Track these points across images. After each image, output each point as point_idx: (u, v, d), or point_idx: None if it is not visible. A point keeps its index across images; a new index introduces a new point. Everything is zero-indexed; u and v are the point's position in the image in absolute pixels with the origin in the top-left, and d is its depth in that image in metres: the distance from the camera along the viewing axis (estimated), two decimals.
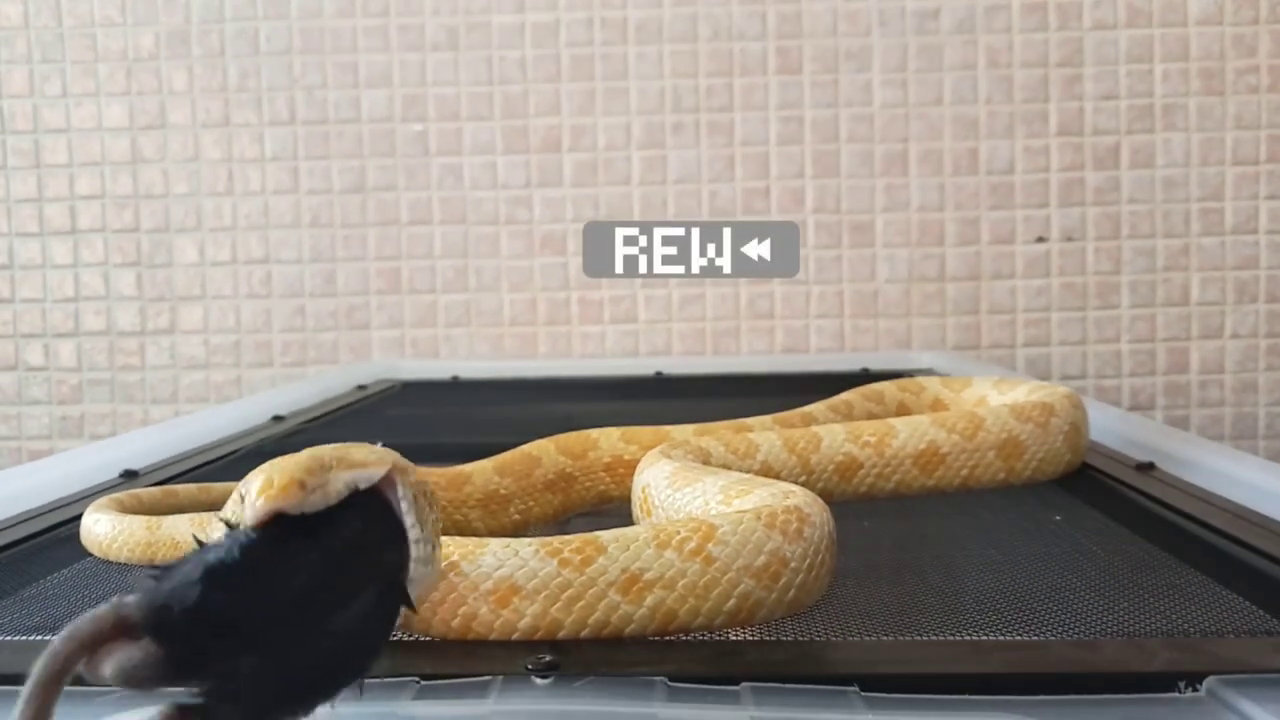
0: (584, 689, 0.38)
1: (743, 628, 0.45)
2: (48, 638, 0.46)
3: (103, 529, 0.60)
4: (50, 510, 0.69)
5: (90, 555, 0.60)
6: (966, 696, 0.38)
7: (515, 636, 0.43)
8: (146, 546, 0.58)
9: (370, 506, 0.36)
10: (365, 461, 0.37)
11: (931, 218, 1.55)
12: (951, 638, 0.44)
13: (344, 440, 0.64)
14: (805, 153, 1.55)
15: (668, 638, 0.43)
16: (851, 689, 0.38)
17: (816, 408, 0.83)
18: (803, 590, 0.46)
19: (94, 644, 0.28)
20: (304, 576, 0.32)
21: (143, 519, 0.60)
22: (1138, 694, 0.38)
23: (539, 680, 0.38)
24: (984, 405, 0.84)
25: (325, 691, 0.31)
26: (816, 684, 0.38)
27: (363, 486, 0.35)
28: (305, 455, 0.35)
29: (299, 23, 1.57)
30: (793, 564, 0.45)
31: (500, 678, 0.39)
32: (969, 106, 1.54)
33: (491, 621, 0.43)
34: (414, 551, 0.36)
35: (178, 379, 1.61)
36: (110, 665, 0.29)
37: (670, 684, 0.38)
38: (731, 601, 0.44)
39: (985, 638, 0.43)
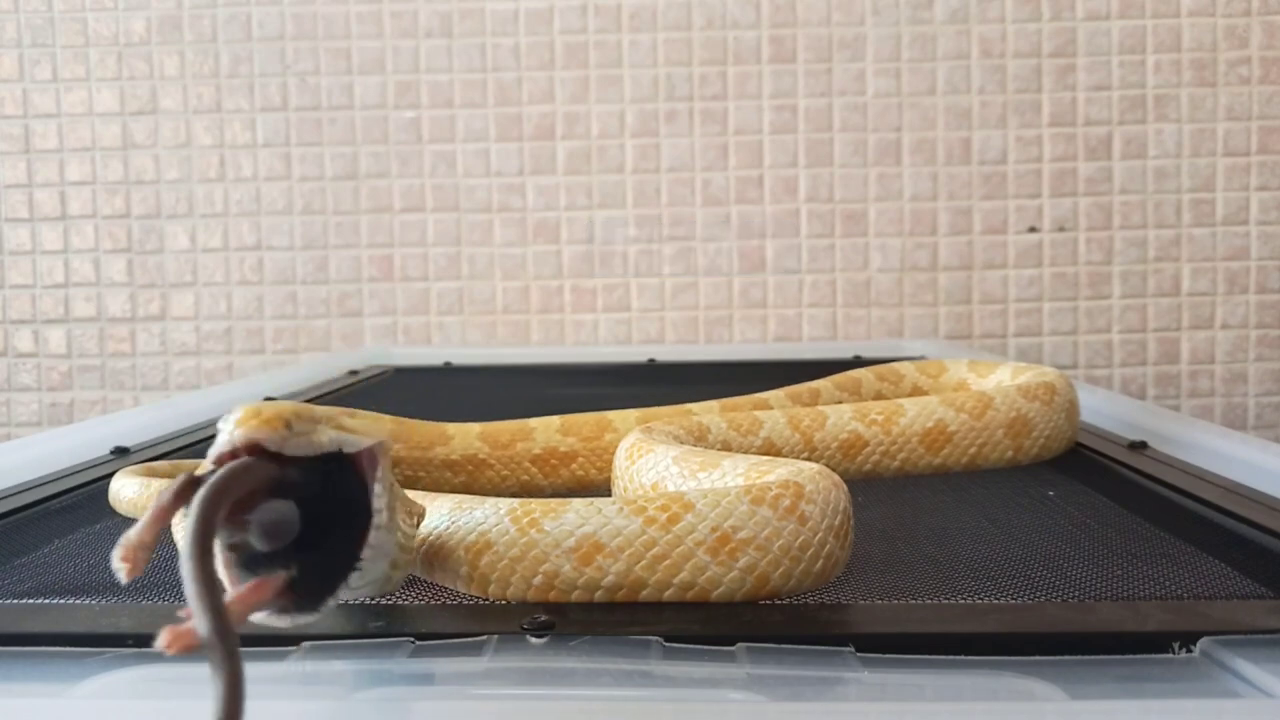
0: (579, 648, 0.38)
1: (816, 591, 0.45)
2: (46, 601, 0.46)
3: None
4: (41, 484, 0.68)
5: (80, 529, 0.60)
6: (961, 656, 0.38)
7: (598, 596, 0.42)
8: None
9: (345, 474, 0.36)
10: (355, 430, 0.37)
11: (924, 207, 1.55)
12: (946, 601, 0.44)
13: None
14: (799, 141, 1.55)
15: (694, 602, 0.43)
16: (847, 649, 0.38)
17: (774, 394, 0.80)
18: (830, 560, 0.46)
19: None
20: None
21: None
22: (1132, 654, 0.38)
23: (534, 639, 0.38)
24: (965, 389, 0.84)
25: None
26: (812, 644, 0.38)
27: (347, 451, 0.36)
28: (297, 404, 0.35)
29: (291, 8, 1.57)
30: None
31: (495, 637, 0.38)
32: (962, 96, 1.54)
33: (575, 580, 0.42)
34: (371, 538, 0.36)
35: (168, 365, 1.60)
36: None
37: (665, 644, 0.38)
38: (820, 563, 0.44)
39: (980, 601, 0.43)
